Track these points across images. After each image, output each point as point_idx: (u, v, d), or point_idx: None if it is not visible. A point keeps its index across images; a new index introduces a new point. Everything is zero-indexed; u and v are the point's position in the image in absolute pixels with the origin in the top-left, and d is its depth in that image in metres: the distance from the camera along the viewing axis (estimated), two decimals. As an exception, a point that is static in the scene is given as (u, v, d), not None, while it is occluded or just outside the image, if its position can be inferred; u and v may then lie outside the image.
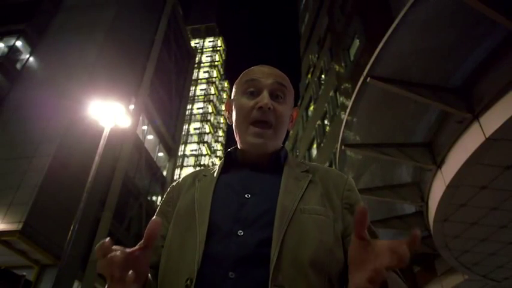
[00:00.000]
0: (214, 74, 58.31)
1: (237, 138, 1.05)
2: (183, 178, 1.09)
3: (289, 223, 0.84)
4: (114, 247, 0.68)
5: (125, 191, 15.23)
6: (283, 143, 1.09)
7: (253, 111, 0.98)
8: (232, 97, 1.10)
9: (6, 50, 14.74)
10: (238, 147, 1.06)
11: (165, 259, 0.88)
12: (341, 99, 12.95)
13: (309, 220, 0.86)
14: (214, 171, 1.03)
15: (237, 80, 1.09)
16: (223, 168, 1.03)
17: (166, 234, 0.95)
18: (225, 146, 59.69)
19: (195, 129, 52.72)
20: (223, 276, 0.78)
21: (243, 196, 0.91)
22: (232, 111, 1.07)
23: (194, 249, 0.82)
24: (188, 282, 0.78)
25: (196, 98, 54.70)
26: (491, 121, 4.43)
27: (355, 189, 0.98)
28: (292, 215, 0.85)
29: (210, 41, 61.66)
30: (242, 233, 0.83)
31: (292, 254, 0.80)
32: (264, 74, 1.03)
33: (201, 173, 1.05)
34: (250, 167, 1.01)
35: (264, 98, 0.98)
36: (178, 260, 0.84)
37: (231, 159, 1.04)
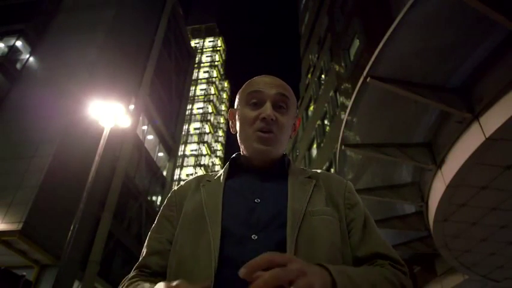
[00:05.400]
0: (214, 74, 58.23)
1: (241, 146, 1.08)
2: (186, 183, 1.11)
3: (300, 225, 0.87)
4: None
5: (125, 191, 15.22)
6: None
7: (257, 122, 1.01)
8: (235, 106, 1.13)
9: (6, 50, 14.73)
10: (242, 154, 1.09)
11: (177, 263, 0.89)
12: (341, 99, 12.95)
13: (318, 222, 0.90)
14: (219, 176, 1.06)
15: (240, 90, 1.12)
16: (228, 174, 1.06)
17: (171, 238, 0.97)
18: (225, 146, 59.62)
19: (195, 129, 52.65)
20: (243, 280, 0.79)
21: (253, 201, 0.94)
22: (236, 120, 1.10)
23: (209, 253, 0.84)
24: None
25: (196, 98, 54.61)
26: (491, 121, 4.42)
27: (355, 192, 1.06)
28: (302, 217, 0.89)
29: (210, 41, 61.58)
30: (256, 237, 0.86)
31: (306, 255, 0.82)
32: (266, 84, 1.05)
33: (204, 178, 1.08)
34: (256, 172, 1.03)
35: (267, 109, 1.00)
36: (193, 264, 0.85)
37: (235, 165, 1.07)
